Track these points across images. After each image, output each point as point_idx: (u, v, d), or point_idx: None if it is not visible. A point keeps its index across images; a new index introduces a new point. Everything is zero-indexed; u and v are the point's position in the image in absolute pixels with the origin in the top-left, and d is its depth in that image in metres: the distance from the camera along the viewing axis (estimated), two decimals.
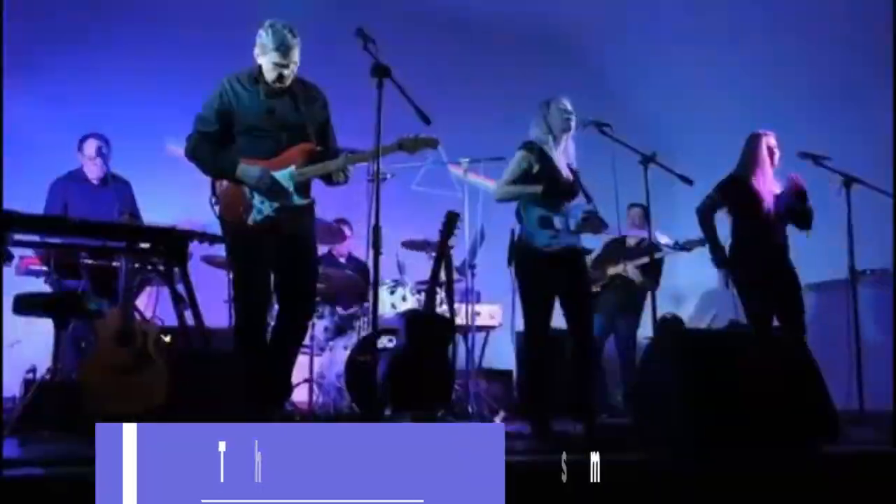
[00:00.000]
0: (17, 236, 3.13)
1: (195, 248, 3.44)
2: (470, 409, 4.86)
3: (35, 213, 2.95)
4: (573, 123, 4.06)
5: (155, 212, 5.11)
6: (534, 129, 4.12)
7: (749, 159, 4.86)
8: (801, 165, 4.90)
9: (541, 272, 3.96)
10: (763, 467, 2.84)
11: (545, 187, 3.97)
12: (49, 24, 6.13)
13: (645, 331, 6.04)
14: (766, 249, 4.73)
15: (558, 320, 4.14)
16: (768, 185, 4.77)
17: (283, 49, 3.48)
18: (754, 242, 4.74)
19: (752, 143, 4.86)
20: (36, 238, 3.61)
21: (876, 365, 5.18)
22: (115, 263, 4.45)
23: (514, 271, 4.11)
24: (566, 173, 4.08)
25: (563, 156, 4.11)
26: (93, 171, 4.93)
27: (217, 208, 3.59)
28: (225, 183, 3.58)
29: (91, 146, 4.88)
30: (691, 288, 7.80)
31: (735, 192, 4.80)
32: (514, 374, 5.91)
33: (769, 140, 4.83)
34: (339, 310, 5.49)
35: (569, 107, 4.08)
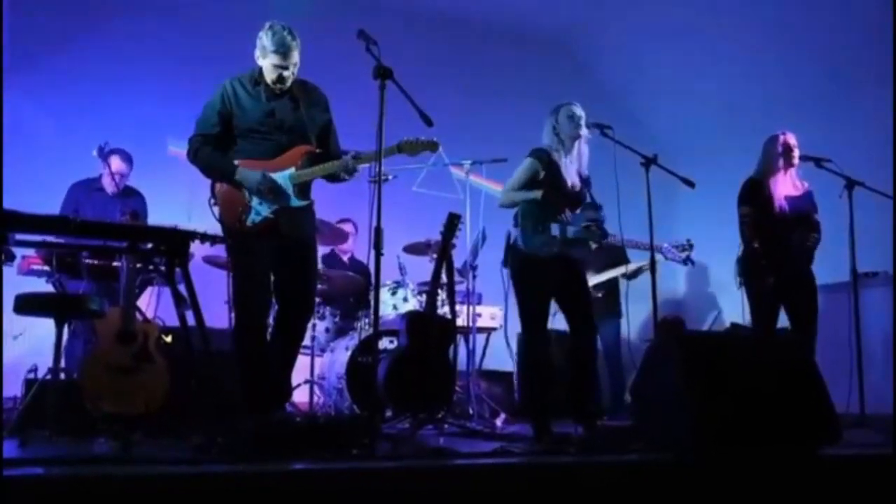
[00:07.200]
0: (19, 236, 3.12)
1: (196, 248, 3.43)
2: (471, 411, 4.86)
3: (35, 212, 2.92)
4: (583, 129, 4.03)
5: (156, 212, 5.12)
6: (545, 136, 4.11)
7: (763, 161, 4.88)
8: (803, 168, 4.91)
9: (534, 276, 3.94)
10: (764, 469, 2.84)
11: (545, 194, 3.95)
12: (50, 25, 6.14)
13: (646, 332, 6.05)
14: (776, 251, 4.74)
15: (560, 322, 4.14)
16: (780, 186, 4.77)
17: (282, 51, 3.51)
18: (763, 243, 4.75)
19: (767, 145, 4.88)
20: (38, 238, 3.61)
21: (877, 368, 5.18)
22: (116, 263, 4.47)
23: (508, 274, 4.10)
24: (573, 181, 4.04)
25: (574, 162, 4.07)
26: (110, 185, 5.06)
27: (216, 210, 3.63)
28: (224, 185, 3.61)
29: (115, 163, 5.03)
30: (692, 290, 7.81)
31: (751, 192, 4.84)
32: (515, 376, 5.91)
33: (786, 139, 4.82)
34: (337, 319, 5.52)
35: (578, 112, 4.03)
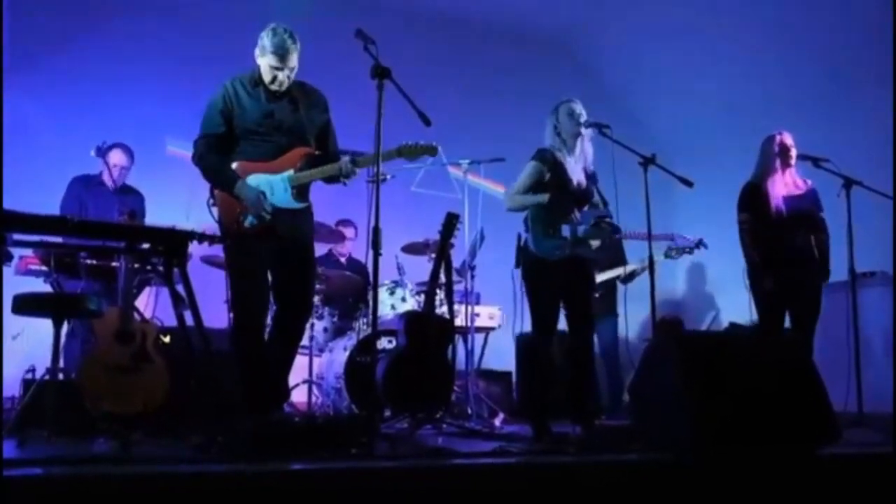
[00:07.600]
0: (17, 236, 3.12)
1: (195, 248, 3.43)
2: (469, 411, 4.86)
3: (34, 212, 2.92)
4: (583, 127, 4.02)
5: (155, 211, 5.12)
6: (547, 137, 4.09)
7: (760, 162, 4.88)
8: (801, 167, 4.91)
9: (545, 279, 3.95)
10: (762, 469, 2.84)
11: (552, 196, 3.95)
12: (50, 25, 6.14)
13: (645, 332, 6.04)
14: (776, 253, 4.73)
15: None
16: (778, 186, 4.76)
17: (280, 53, 3.51)
18: (764, 244, 4.74)
19: (764, 145, 4.88)
20: (36, 238, 3.61)
21: (875, 367, 5.18)
22: (114, 263, 4.47)
23: (520, 275, 4.09)
24: (578, 179, 4.03)
25: (579, 159, 4.06)
26: (110, 180, 5.05)
27: (214, 211, 3.63)
28: None
29: (116, 156, 5.03)
30: (691, 289, 7.81)
31: (750, 196, 4.83)
32: (514, 376, 5.91)
33: (782, 139, 4.81)
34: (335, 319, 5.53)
35: (577, 109, 4.03)
